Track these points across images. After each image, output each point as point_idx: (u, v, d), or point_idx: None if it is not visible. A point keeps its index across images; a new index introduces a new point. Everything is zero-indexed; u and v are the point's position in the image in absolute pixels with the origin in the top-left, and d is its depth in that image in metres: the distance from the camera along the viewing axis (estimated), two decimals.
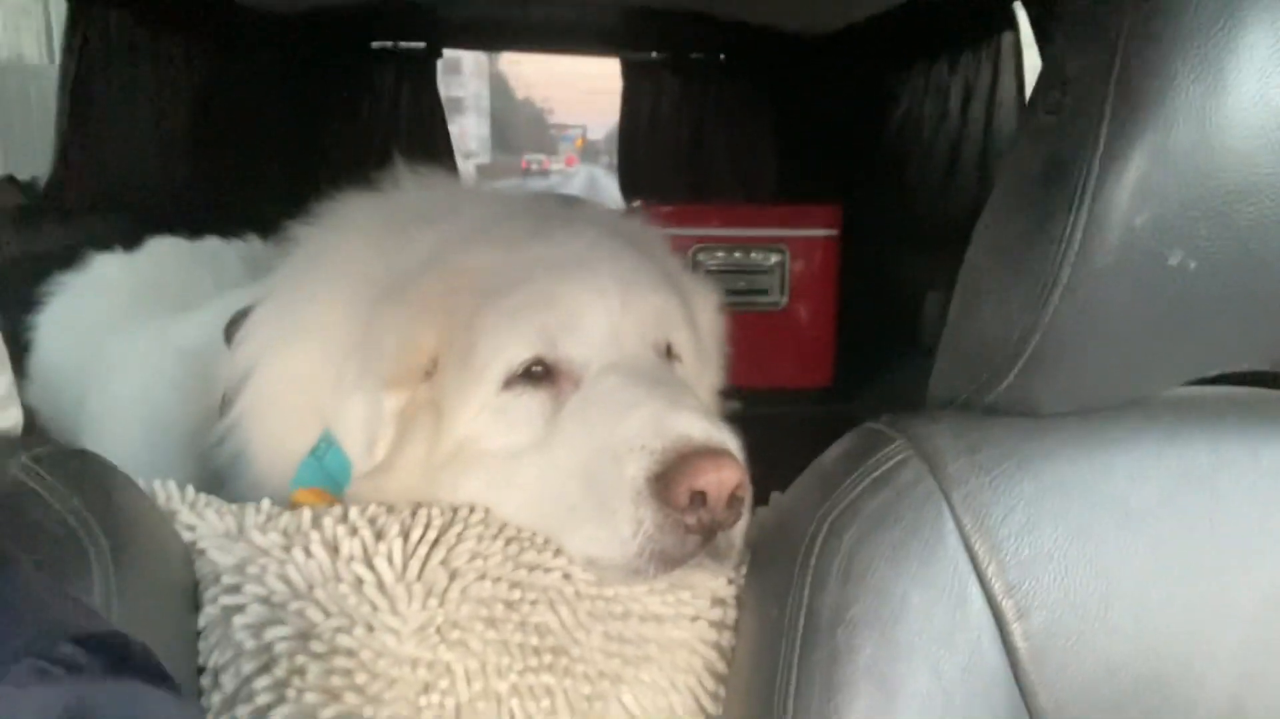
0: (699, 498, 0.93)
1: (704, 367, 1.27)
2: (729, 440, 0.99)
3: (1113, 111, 0.73)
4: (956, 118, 3.00)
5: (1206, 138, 0.73)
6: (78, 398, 1.93)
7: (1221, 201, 0.74)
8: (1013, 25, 2.68)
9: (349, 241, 1.24)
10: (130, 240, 2.33)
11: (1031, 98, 0.84)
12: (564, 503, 1.01)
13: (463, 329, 1.09)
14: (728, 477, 0.94)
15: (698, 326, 1.26)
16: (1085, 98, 0.76)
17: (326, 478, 1.15)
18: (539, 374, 1.08)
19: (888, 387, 3.34)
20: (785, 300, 3.34)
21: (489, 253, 1.15)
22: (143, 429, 1.65)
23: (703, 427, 0.97)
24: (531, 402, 1.07)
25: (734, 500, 0.95)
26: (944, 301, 3.31)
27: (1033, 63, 2.68)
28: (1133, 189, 0.73)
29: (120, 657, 0.61)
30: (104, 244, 2.32)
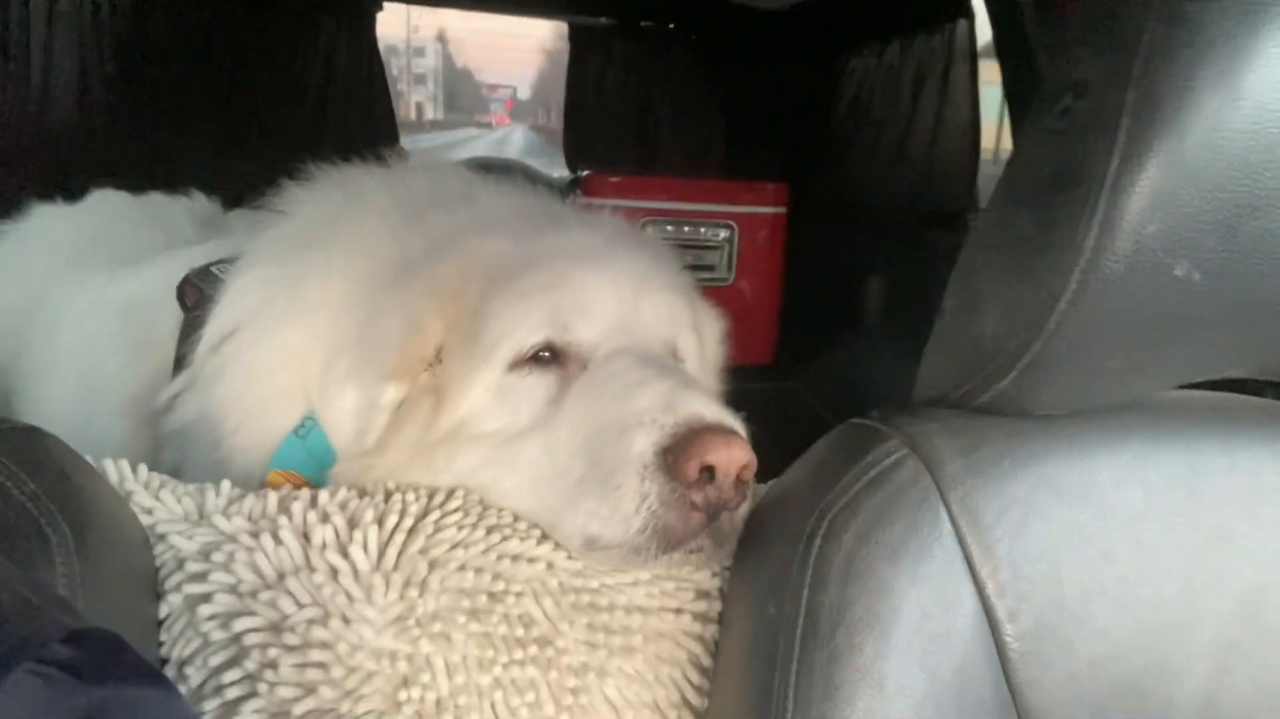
0: (708, 474, 0.92)
1: (705, 380, 1.27)
2: (739, 425, 0.99)
3: (1131, 119, 0.73)
4: (907, 103, 3.03)
5: (1219, 149, 0.73)
6: (14, 350, 1.84)
7: (1229, 214, 0.75)
8: (968, 13, 2.70)
9: (363, 218, 1.20)
10: (52, 187, 2.21)
11: (1040, 100, 0.83)
12: (564, 481, 0.99)
13: (470, 313, 1.07)
14: (738, 454, 0.93)
15: (703, 346, 1.26)
16: (1102, 104, 0.76)
17: (308, 458, 1.11)
18: (546, 359, 1.07)
19: (827, 366, 3.38)
20: (732, 277, 3.34)
21: (503, 241, 1.12)
22: (80, 386, 1.60)
23: (715, 408, 0.98)
24: (537, 383, 1.06)
25: (741, 482, 0.95)
26: (884, 287, 3.38)
27: (985, 48, 2.71)
28: (1146, 198, 0.74)
29: (112, 655, 0.59)
30: (27, 188, 2.20)
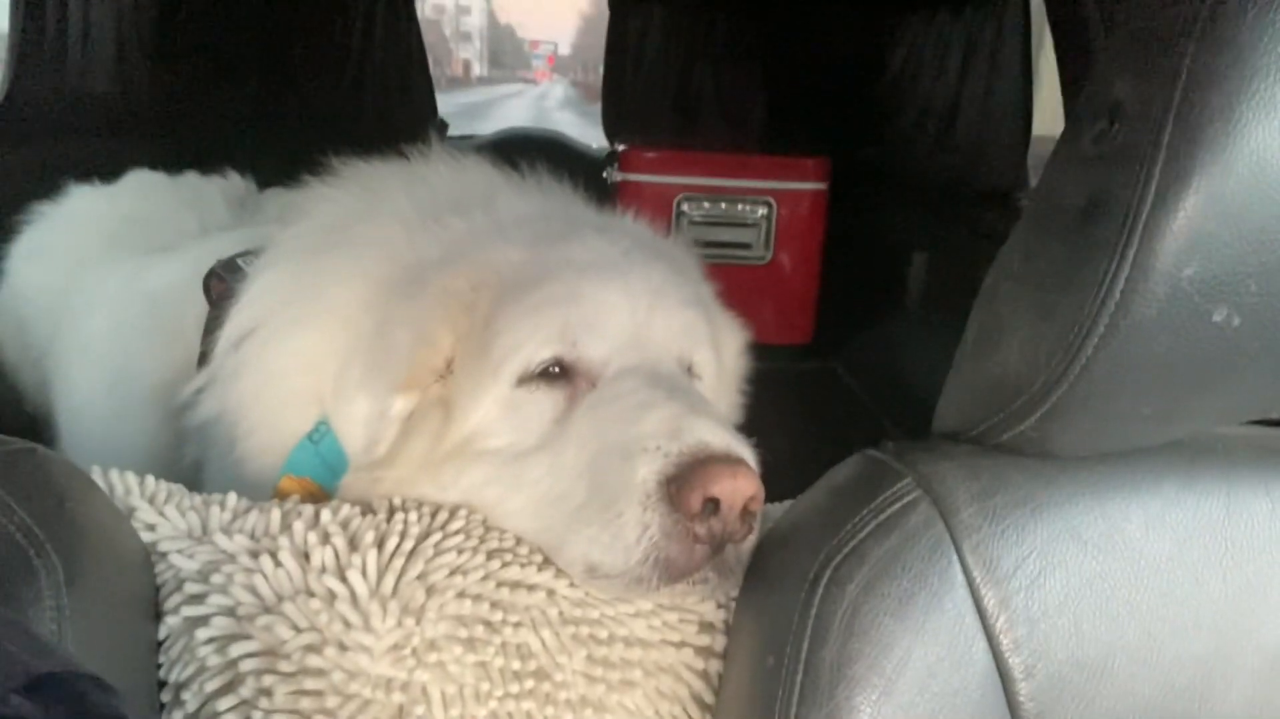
0: (711, 506, 0.89)
1: (722, 395, 1.23)
2: (747, 453, 0.95)
3: (1168, 152, 0.67)
4: (955, 74, 2.91)
5: (1265, 188, 0.67)
6: (49, 335, 1.87)
7: (1275, 257, 0.68)
8: None
9: (380, 221, 1.18)
10: (91, 160, 2.22)
11: (1074, 122, 0.77)
12: (567, 504, 0.96)
13: (481, 325, 1.05)
14: (744, 486, 0.90)
15: (721, 359, 1.21)
16: (1138, 132, 0.69)
17: (321, 464, 1.11)
18: (555, 374, 1.04)
19: (867, 346, 3.31)
20: (769, 255, 3.27)
21: (517, 250, 1.10)
22: (111, 374, 1.62)
23: (722, 435, 0.94)
24: (545, 400, 1.03)
25: (747, 513, 0.91)
26: (927, 266, 3.28)
27: (1038, 23, 2.59)
28: (1183, 238, 0.68)
29: (79, 707, 0.57)
30: (64, 166, 2.21)
